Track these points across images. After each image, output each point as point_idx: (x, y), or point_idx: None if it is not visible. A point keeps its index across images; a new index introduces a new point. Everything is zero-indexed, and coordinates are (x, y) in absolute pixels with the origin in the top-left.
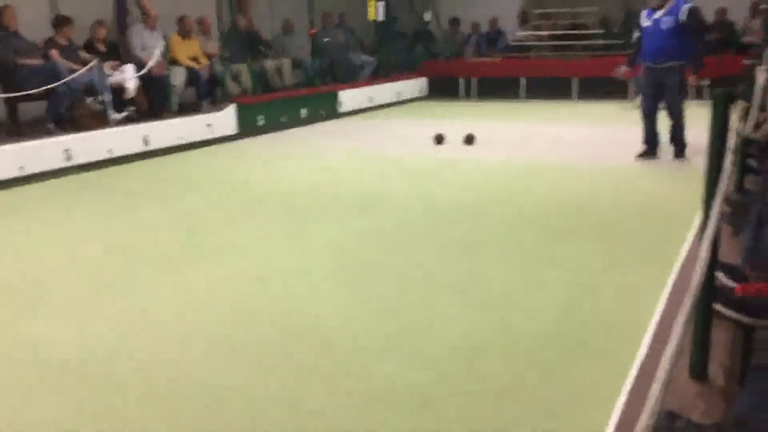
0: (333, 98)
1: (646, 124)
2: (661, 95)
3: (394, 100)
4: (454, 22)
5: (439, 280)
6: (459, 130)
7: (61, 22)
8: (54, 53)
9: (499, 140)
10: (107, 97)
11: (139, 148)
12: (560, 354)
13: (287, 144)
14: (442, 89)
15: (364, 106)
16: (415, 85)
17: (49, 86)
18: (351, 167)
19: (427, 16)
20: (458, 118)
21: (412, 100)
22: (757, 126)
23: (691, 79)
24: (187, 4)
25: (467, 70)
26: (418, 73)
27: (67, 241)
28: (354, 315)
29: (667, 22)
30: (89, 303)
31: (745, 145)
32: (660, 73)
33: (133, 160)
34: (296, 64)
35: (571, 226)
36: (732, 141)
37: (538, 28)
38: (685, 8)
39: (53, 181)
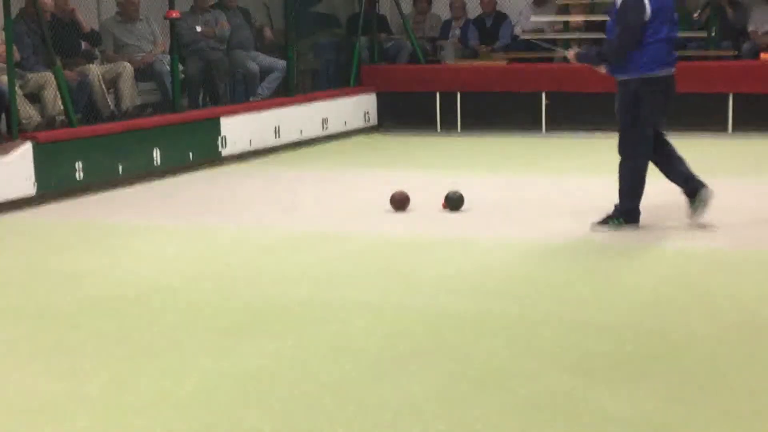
0: (211, 131)
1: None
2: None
3: (319, 134)
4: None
5: None
6: (433, 189)
7: None
8: None
9: (500, 206)
10: None
11: None
12: None
13: (125, 213)
14: (403, 114)
15: (264, 145)
16: (355, 108)
17: None
18: (241, 256)
19: None
20: (432, 167)
21: (349, 134)
22: None
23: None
24: None
25: (446, 80)
26: (359, 88)
27: None
28: None
29: None
30: None
31: None
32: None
33: None
34: (144, 73)
35: (623, 357)
36: None
37: (565, 10)
38: None
39: None
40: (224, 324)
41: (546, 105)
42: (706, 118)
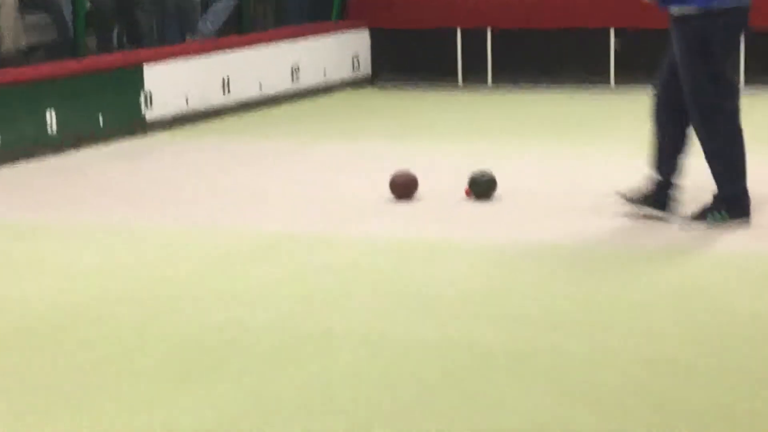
0: (130, 86)
1: (655, 134)
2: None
3: (287, 88)
4: None
5: None
6: (452, 168)
7: None
8: None
9: (546, 194)
10: None
11: None
12: None
13: (8, 205)
14: (408, 61)
15: (207, 104)
16: (340, 52)
17: None
18: (181, 268)
19: None
20: (450, 137)
21: (331, 89)
22: None
23: None
24: None
25: (470, 11)
26: (346, 22)
27: None
28: None
29: None
30: None
31: None
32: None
33: None
34: (33, 0)
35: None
36: None
37: None
38: None
39: None
40: (157, 364)
41: (616, 49)
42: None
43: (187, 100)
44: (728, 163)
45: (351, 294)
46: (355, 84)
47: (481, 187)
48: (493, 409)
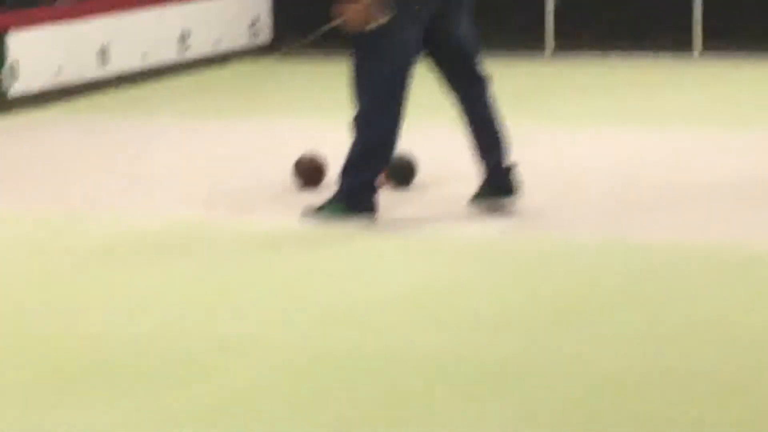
0: None
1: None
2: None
3: (174, 59)
4: None
5: None
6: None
7: None
8: None
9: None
10: None
11: None
12: None
13: None
14: (316, 25)
15: (82, 77)
16: (235, 14)
17: None
18: (45, 268)
19: None
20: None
21: (225, 59)
22: None
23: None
24: None
25: None
26: None
27: None
28: None
29: None
30: None
31: None
32: None
33: None
34: None
35: None
36: None
37: None
38: None
39: None
40: (16, 384)
41: (556, 6)
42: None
43: (58, 71)
44: (362, 146)
45: (255, 298)
46: (253, 53)
47: (400, 173)
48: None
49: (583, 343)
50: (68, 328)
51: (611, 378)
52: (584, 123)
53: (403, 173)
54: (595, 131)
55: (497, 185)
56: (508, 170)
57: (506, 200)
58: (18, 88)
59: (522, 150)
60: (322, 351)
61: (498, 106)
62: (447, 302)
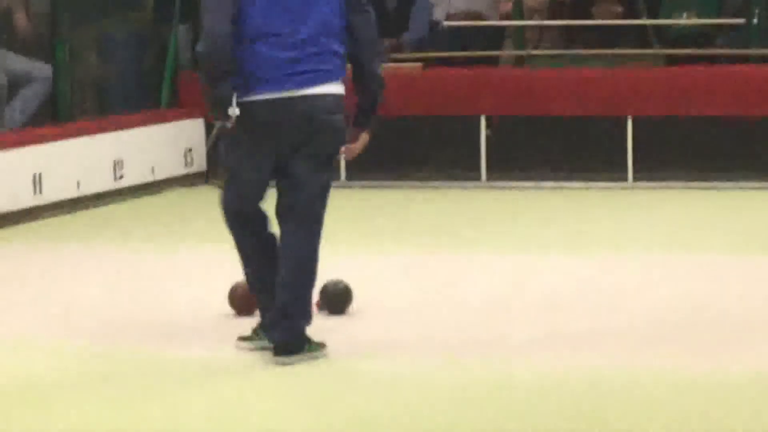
0: None
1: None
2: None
3: (109, 187)
4: None
5: None
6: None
7: None
8: None
9: (413, 306)
10: None
11: None
12: None
13: None
14: None
15: (16, 205)
16: (170, 144)
17: None
18: None
19: None
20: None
21: (160, 187)
22: None
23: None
24: None
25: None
26: (176, 111)
27: None
28: None
29: None
30: None
31: None
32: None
33: None
34: None
35: None
36: None
37: None
38: None
39: None
40: None
41: (488, 136)
42: None
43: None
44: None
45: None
46: (187, 181)
47: (334, 299)
48: None
49: None
50: None
51: None
52: (516, 249)
53: (337, 300)
54: (525, 257)
55: (276, 340)
56: (297, 331)
57: (282, 359)
58: None
59: (456, 276)
60: None
61: (316, 262)
62: None
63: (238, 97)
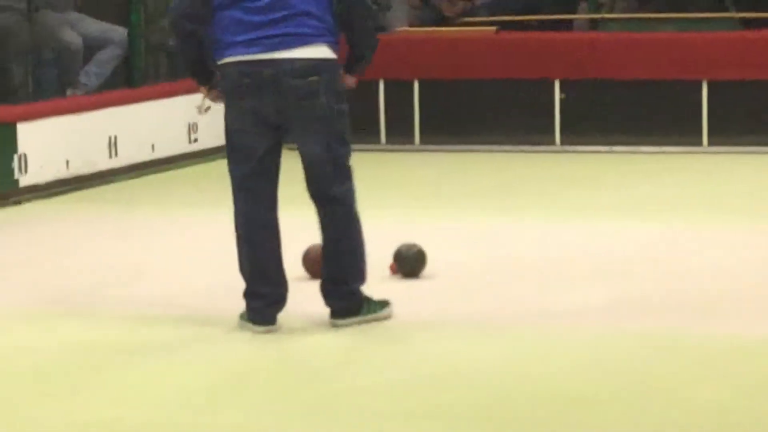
0: (3, 147)
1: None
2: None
3: (184, 149)
4: None
5: None
6: (375, 240)
7: None
8: None
9: (486, 273)
10: None
11: None
12: None
13: None
14: None
15: (92, 168)
16: None
17: None
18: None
19: None
20: (373, 204)
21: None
22: None
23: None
24: None
25: (394, 60)
26: None
27: None
28: None
29: None
30: None
31: None
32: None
33: None
34: None
35: None
36: None
37: None
38: None
39: None
40: None
41: (561, 100)
42: None
43: (67, 164)
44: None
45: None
46: None
47: (408, 262)
48: None
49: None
50: (67, 417)
51: None
52: (589, 214)
53: (410, 264)
54: (598, 222)
55: (331, 305)
56: (350, 294)
57: (337, 321)
58: (28, 179)
59: (524, 240)
60: None
61: (356, 228)
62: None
63: (213, 59)
